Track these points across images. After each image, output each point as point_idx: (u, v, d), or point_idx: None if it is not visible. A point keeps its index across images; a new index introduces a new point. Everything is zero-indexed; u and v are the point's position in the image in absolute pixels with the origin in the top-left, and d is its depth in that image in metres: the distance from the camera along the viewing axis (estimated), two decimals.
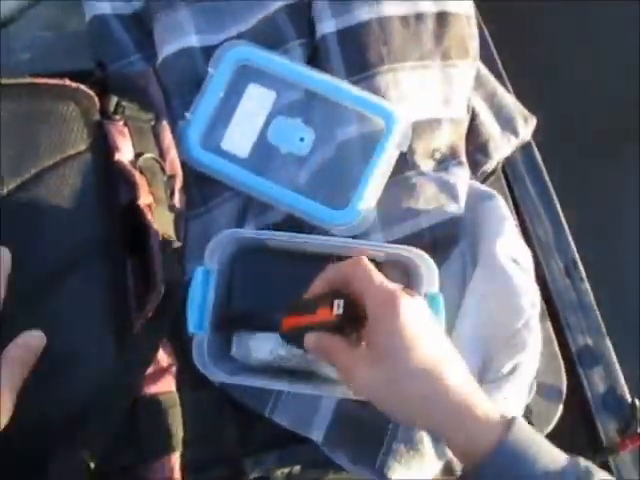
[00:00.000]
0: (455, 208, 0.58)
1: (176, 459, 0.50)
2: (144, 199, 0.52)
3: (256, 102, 0.59)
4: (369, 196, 0.56)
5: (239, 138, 0.59)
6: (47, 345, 0.41)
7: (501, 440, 0.39)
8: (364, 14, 0.58)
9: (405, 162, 0.58)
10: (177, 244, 0.53)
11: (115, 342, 0.48)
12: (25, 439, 0.42)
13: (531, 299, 0.55)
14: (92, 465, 0.43)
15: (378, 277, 0.43)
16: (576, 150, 0.88)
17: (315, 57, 0.60)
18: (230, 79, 0.59)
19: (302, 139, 0.58)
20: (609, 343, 0.66)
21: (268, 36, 0.60)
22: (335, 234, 0.55)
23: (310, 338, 0.44)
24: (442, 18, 0.60)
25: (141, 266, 0.52)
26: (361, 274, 0.43)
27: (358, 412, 0.53)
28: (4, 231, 0.45)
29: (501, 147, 0.66)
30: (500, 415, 0.41)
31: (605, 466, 0.63)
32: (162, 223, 0.52)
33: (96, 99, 0.53)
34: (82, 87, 0.53)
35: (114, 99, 0.55)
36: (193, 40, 0.60)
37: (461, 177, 0.59)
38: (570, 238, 0.69)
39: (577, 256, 0.68)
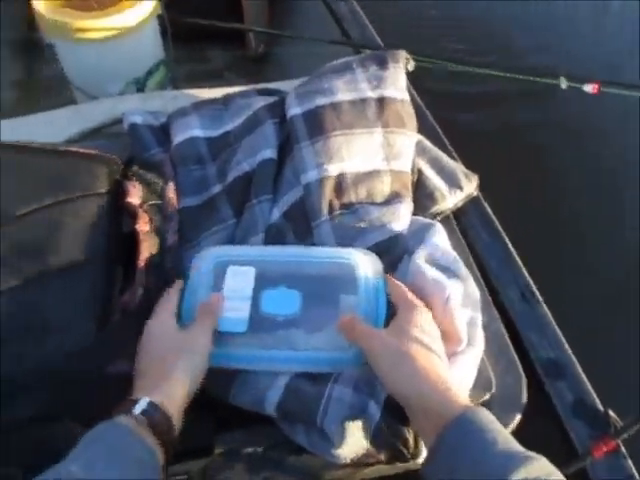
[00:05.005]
0: (392, 227, 0.70)
1: None
2: (142, 227, 0.68)
3: (240, 280, 0.63)
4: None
5: (234, 316, 0.61)
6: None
7: (465, 412, 0.48)
8: (321, 101, 0.78)
9: (351, 201, 0.72)
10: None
11: (95, 324, 0.61)
12: None
13: (453, 291, 0.61)
14: None
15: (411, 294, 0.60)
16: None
17: (285, 132, 0.78)
18: (212, 275, 0.64)
19: (291, 302, 0.62)
20: (572, 356, 0.70)
21: (251, 123, 0.80)
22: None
23: (346, 317, 0.59)
24: (381, 100, 0.79)
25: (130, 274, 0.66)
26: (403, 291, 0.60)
27: (304, 386, 0.59)
28: (35, 227, 0.62)
29: (448, 198, 0.78)
30: (469, 403, 0.50)
31: (583, 473, 0.62)
32: (152, 246, 0.68)
33: (120, 165, 0.74)
34: (114, 157, 0.74)
35: (134, 168, 0.76)
36: (198, 132, 0.81)
37: (401, 210, 0.72)
38: (523, 269, 0.76)
39: (532, 283, 0.75)
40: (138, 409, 0.49)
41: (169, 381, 0.52)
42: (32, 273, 0.61)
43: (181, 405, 0.52)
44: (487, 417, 0.48)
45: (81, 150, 0.73)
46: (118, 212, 0.70)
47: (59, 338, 0.58)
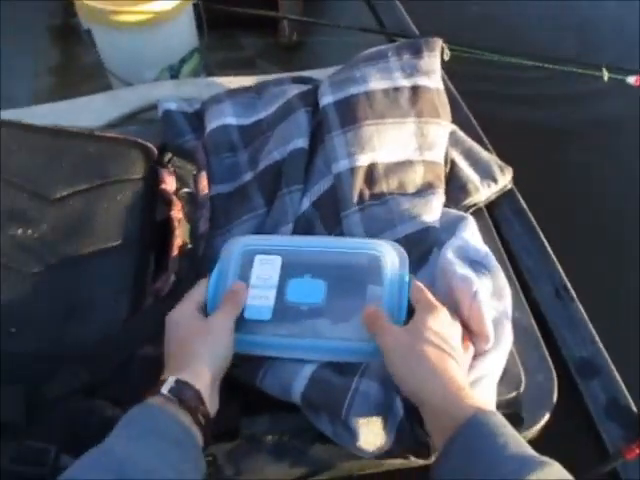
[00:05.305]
0: (423, 219, 0.69)
1: None
2: (176, 214, 0.69)
3: (266, 268, 0.64)
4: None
5: (259, 304, 0.62)
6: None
7: (476, 413, 0.47)
8: (354, 90, 0.77)
9: (382, 191, 0.72)
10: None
11: (128, 305, 0.62)
12: (30, 358, 0.56)
13: (480, 287, 0.60)
14: None
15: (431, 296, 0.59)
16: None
17: (317, 121, 0.78)
18: (239, 264, 0.64)
19: (316, 291, 0.62)
20: (606, 355, 0.68)
21: (284, 111, 0.80)
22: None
23: (371, 308, 0.58)
24: (415, 89, 0.77)
25: (162, 260, 0.67)
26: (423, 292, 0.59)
27: (330, 377, 0.59)
28: (71, 211, 0.63)
29: (481, 190, 0.77)
30: (481, 405, 0.49)
31: (614, 474, 0.61)
32: (184, 234, 0.69)
33: (155, 151, 0.74)
34: (149, 144, 0.74)
35: (169, 155, 0.76)
36: (231, 120, 0.81)
37: (433, 201, 0.71)
38: (558, 265, 0.75)
39: (566, 279, 0.73)
40: (166, 387, 0.50)
41: (194, 362, 0.53)
42: (67, 256, 0.62)
43: (209, 384, 0.53)
44: (499, 420, 0.48)
45: (117, 136, 0.74)
46: (152, 198, 0.71)
47: (92, 321, 0.59)
